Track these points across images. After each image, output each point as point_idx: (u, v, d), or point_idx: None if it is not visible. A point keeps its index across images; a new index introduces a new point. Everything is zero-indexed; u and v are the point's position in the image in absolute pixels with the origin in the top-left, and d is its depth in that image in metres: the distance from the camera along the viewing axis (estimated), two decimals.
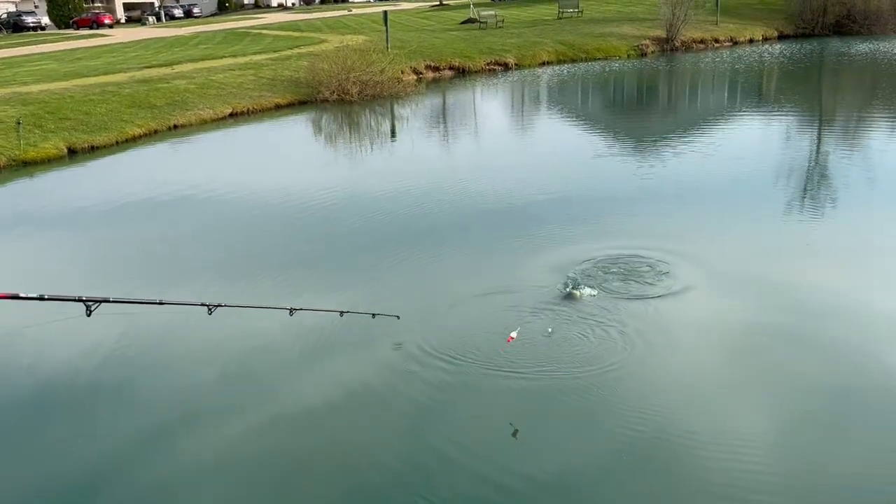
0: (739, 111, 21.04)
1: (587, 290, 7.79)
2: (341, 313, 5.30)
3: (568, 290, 7.84)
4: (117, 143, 17.90)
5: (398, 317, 6.44)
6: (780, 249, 9.24)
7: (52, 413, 6.25)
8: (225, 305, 3.61)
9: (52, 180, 15.15)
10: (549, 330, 6.85)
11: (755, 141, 16.38)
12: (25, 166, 15.85)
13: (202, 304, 3.41)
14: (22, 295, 2.28)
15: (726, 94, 24.24)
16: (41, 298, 2.31)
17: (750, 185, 12.26)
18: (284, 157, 16.79)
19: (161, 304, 2.90)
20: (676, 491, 4.99)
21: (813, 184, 12.62)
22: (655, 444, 5.42)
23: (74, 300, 2.43)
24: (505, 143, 18.19)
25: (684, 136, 16.98)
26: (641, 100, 24.58)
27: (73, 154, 16.90)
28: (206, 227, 11.42)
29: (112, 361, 6.90)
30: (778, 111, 20.36)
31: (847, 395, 6.02)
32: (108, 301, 2.50)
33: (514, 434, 4.75)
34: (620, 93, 25.97)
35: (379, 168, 15.78)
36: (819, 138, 16.57)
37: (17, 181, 14.97)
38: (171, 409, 6.12)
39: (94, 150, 17.23)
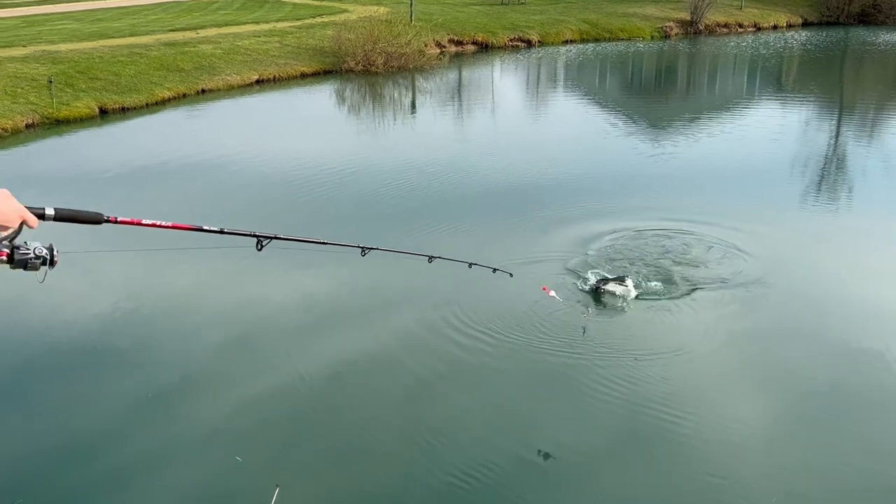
0: (763, 97, 21.01)
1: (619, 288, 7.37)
2: (469, 265, 5.65)
3: (596, 286, 7.53)
4: (147, 105, 17.94)
5: (511, 274, 6.81)
6: (800, 238, 9.33)
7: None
8: (378, 249, 3.84)
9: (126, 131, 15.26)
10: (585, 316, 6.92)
11: (777, 127, 16.33)
12: (58, 124, 15.90)
13: (358, 246, 3.65)
14: (205, 228, 2.45)
15: (751, 80, 24.17)
16: (221, 232, 2.48)
17: (768, 171, 12.31)
18: (327, 126, 16.86)
19: (324, 243, 3.09)
20: (682, 477, 5.08)
21: (831, 173, 12.67)
22: (661, 434, 5.48)
23: (248, 235, 2.61)
24: (529, 121, 18.21)
25: (707, 121, 17.01)
26: (666, 82, 24.51)
27: (105, 114, 16.95)
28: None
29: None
30: (801, 98, 20.33)
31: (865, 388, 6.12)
32: (279, 238, 2.68)
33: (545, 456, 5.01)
34: (646, 75, 25.89)
35: (443, 143, 15.85)
36: (840, 127, 16.57)
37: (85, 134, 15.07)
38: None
39: (124, 112, 17.27)
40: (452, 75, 24.41)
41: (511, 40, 30.28)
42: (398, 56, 23.90)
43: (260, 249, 2.64)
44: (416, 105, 20.31)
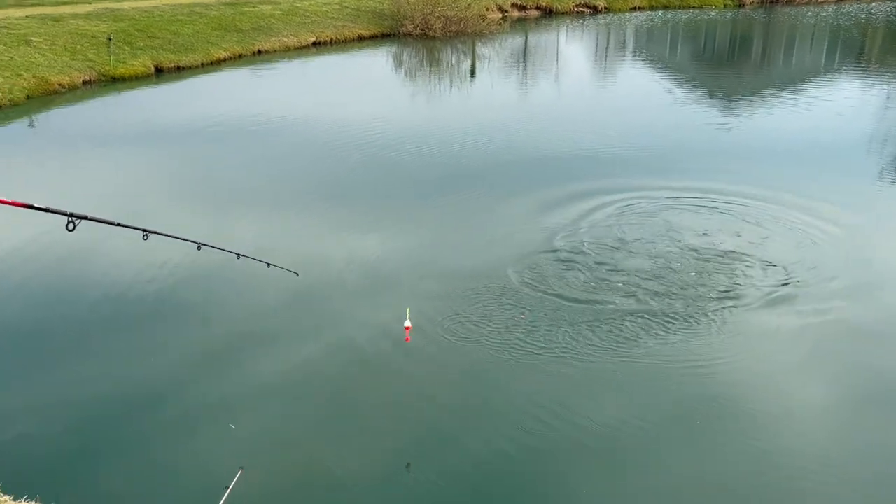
0: (842, 71, 19.72)
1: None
2: (238, 256, 4.48)
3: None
4: (202, 64, 17.95)
5: (297, 273, 5.83)
6: (874, 221, 8.63)
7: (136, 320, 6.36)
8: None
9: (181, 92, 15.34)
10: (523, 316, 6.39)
11: (856, 103, 15.21)
12: (114, 82, 16.04)
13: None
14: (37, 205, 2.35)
15: (831, 53, 22.77)
16: (31, 207, 2.34)
17: (844, 149, 11.47)
18: (378, 93, 16.58)
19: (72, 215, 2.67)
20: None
21: None
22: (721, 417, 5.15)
23: (61, 213, 2.46)
24: (590, 91, 17.54)
25: (781, 94, 16.03)
26: (739, 53, 23.32)
27: (160, 73, 17.03)
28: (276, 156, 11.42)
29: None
30: (883, 73, 18.99)
31: None
32: (87, 218, 2.57)
33: (407, 466, 4.62)
34: (718, 44, 24.69)
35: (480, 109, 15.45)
36: None
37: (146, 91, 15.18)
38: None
39: (180, 70, 17.32)
40: (512, 41, 23.73)
41: (576, 6, 29.34)
42: (457, 20, 23.37)
43: (72, 230, 2.46)
44: (476, 71, 19.75)
